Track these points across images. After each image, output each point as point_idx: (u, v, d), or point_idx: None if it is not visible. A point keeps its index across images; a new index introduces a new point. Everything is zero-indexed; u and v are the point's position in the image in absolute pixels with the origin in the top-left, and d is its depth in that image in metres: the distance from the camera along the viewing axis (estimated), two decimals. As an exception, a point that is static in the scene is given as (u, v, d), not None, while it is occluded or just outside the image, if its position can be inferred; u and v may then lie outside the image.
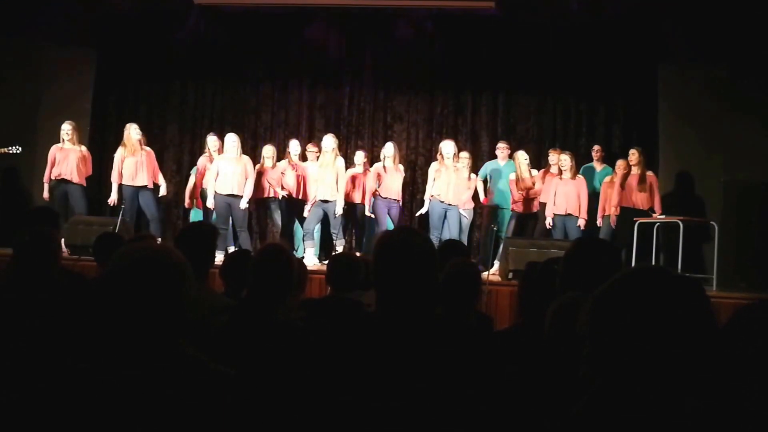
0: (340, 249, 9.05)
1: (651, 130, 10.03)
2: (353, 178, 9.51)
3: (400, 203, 9.60)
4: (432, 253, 2.31)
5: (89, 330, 1.87)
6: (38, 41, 10.49)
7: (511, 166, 9.47)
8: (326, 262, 8.96)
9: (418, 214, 9.60)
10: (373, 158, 9.99)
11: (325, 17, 11.05)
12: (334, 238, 9.34)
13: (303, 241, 9.38)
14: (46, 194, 9.46)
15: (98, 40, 11.21)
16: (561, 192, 9.01)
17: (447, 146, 9.25)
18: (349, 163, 9.92)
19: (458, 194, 9.19)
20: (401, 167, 9.81)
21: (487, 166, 9.86)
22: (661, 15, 9.72)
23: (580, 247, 2.92)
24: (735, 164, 8.91)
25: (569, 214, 8.99)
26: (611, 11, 9.62)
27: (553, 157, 9.45)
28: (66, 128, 9.49)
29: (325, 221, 9.43)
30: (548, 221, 9.08)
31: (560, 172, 9.13)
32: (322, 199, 9.24)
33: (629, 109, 10.39)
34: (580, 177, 9.12)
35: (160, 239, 7.70)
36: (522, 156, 9.41)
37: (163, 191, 9.66)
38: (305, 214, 9.42)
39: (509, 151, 9.68)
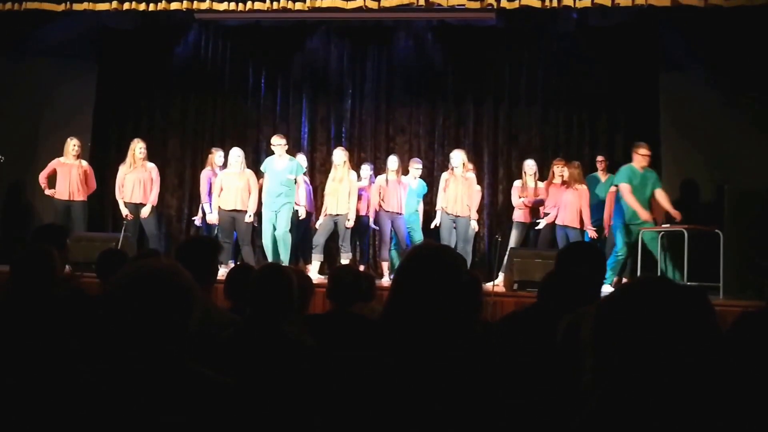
0: (345, 262, 9.02)
1: (653, 138, 10.02)
2: (359, 191, 9.53)
3: (404, 215, 9.59)
4: (459, 274, 2.30)
5: (91, 346, 1.86)
6: (39, 57, 10.51)
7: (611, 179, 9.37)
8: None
9: (432, 225, 9.49)
10: (376, 170, 10.02)
11: (325, 30, 11.10)
12: (342, 251, 9.33)
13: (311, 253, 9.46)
14: (42, 179, 9.50)
15: (99, 55, 11.25)
16: (564, 202, 9.00)
17: (455, 156, 9.27)
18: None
19: (466, 204, 9.17)
20: (405, 179, 9.82)
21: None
22: (661, 24, 9.74)
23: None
24: (738, 172, 8.88)
25: (571, 225, 8.95)
26: (612, 21, 9.65)
27: (558, 168, 9.46)
28: (74, 142, 9.52)
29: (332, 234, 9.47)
30: (542, 223, 9.07)
31: (563, 182, 9.13)
32: (334, 212, 9.25)
33: (631, 118, 10.39)
34: (582, 187, 9.10)
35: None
36: (529, 165, 9.46)
37: (144, 212, 9.40)
38: (317, 226, 9.52)
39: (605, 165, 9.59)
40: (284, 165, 9.19)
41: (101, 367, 1.77)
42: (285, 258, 8.91)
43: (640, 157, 8.49)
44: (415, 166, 9.82)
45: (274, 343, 2.88)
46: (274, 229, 9.07)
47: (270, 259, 8.94)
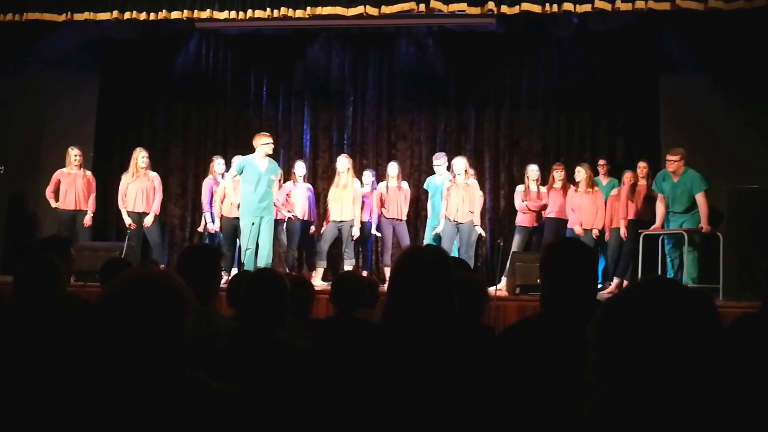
0: (348, 268, 9.04)
1: (654, 141, 10.03)
2: (362, 198, 9.55)
3: (404, 221, 9.62)
4: (448, 272, 2.31)
5: (89, 356, 1.86)
6: (40, 67, 10.54)
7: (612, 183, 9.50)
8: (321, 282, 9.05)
9: (434, 232, 9.41)
10: (378, 177, 10.05)
11: (326, 38, 11.13)
12: (345, 257, 9.35)
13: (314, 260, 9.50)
14: (49, 193, 9.45)
15: (100, 64, 11.28)
16: (582, 205, 9.02)
17: (457, 164, 9.25)
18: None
19: (469, 211, 9.14)
20: (405, 185, 9.84)
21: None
22: (661, 28, 9.75)
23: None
24: (738, 174, 8.89)
25: (596, 227, 8.97)
26: (612, 25, 9.66)
27: (558, 173, 9.46)
28: (75, 152, 9.53)
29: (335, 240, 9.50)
30: (577, 229, 9.01)
31: (569, 185, 9.14)
32: (338, 219, 9.27)
33: (632, 121, 10.39)
34: (597, 189, 9.14)
35: (163, 266, 7.69)
36: (532, 169, 9.47)
37: (147, 222, 9.35)
38: (321, 232, 9.57)
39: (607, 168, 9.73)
40: (267, 166, 8.62)
41: (99, 377, 1.78)
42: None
43: (668, 163, 8.51)
44: (436, 162, 9.67)
45: (270, 349, 2.88)
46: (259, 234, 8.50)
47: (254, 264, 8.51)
